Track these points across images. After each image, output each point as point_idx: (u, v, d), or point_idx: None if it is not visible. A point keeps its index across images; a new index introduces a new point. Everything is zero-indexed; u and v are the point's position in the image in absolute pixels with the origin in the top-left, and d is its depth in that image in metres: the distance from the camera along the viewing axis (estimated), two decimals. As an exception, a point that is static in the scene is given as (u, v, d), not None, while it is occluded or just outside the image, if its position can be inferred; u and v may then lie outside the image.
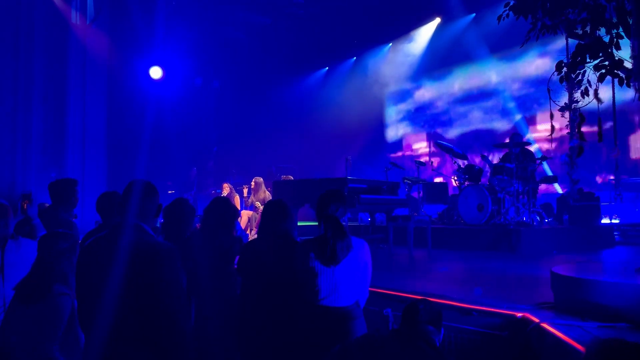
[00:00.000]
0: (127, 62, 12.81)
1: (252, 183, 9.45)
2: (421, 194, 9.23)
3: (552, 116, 4.45)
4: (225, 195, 9.64)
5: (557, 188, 10.00)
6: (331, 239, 2.80)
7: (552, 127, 4.42)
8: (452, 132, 13.39)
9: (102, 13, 12.69)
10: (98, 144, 12.42)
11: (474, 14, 12.73)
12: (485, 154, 8.42)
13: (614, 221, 8.98)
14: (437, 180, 11.59)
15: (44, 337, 2.44)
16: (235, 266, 3.21)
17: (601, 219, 8.25)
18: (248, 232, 8.69)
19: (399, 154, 14.70)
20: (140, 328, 2.01)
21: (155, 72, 13.22)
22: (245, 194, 9.85)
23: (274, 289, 2.98)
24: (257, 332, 2.97)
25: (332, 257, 2.79)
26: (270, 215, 3.12)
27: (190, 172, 12.69)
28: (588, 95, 3.84)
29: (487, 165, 8.35)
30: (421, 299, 2.58)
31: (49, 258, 2.55)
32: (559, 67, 4.06)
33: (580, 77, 3.92)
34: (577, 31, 4.22)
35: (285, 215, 3.12)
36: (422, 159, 10.21)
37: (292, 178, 9.13)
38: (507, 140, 8.07)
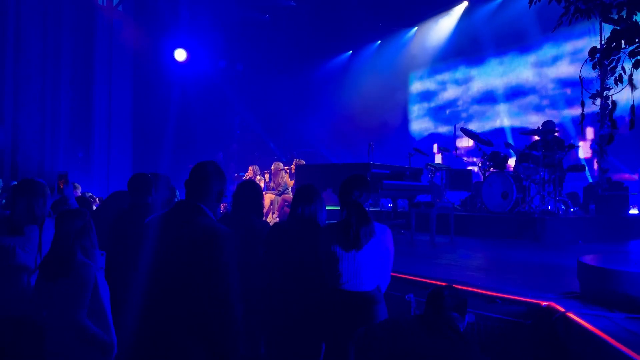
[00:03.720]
0: (153, 44, 12.93)
1: (272, 167, 9.51)
2: (444, 181, 9.15)
3: (583, 104, 4.35)
4: (248, 177, 9.72)
5: (589, 177, 9.76)
6: (355, 225, 2.81)
7: (583, 115, 4.32)
8: (476, 122, 13.16)
9: (128, -5, 12.80)
10: (123, 125, 12.63)
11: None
12: (510, 142, 8.29)
13: (642, 212, 8.79)
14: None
15: (73, 308, 2.53)
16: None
17: (629, 209, 8.08)
18: (270, 215, 8.75)
19: (423, 139, 14.56)
20: (193, 310, 2.02)
21: (180, 55, 13.30)
22: (267, 179, 9.92)
23: (298, 272, 3.02)
24: (282, 313, 3.02)
25: (355, 243, 2.81)
26: (299, 199, 3.14)
27: (216, 156, 12.80)
28: (622, 82, 3.73)
29: (512, 152, 8.23)
30: (446, 285, 2.57)
31: (69, 236, 2.63)
32: (592, 53, 3.95)
33: (614, 64, 3.80)
34: (612, 16, 4.08)
35: (313, 199, 3.14)
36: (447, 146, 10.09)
37: (303, 162, 9.13)
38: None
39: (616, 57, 3.80)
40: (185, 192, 2.25)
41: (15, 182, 6.52)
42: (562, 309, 2.91)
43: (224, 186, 2.29)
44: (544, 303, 3.09)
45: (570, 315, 2.81)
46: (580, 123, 4.37)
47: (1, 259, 2.83)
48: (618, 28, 3.79)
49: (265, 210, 8.10)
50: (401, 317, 2.81)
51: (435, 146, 12.62)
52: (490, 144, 8.59)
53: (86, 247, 2.69)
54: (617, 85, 3.81)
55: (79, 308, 2.53)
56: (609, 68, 3.82)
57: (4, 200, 6.50)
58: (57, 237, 2.66)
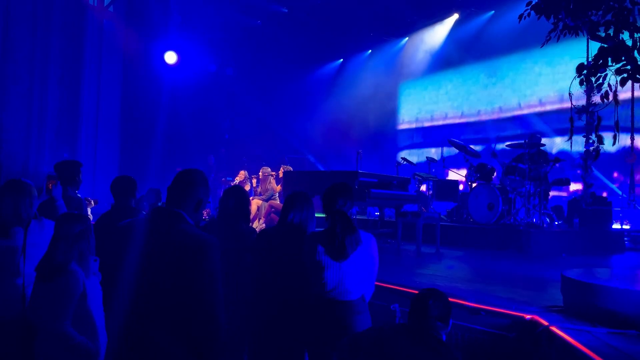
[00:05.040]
0: (143, 46, 12.85)
1: (260, 173, 9.47)
2: (431, 191, 9.21)
3: (572, 120, 4.40)
4: (238, 182, 9.68)
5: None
6: (340, 234, 2.80)
7: (571, 131, 4.38)
8: (464, 134, 13.24)
9: (120, -4, 12.72)
10: (111, 127, 12.51)
11: (492, 12, 12.60)
12: (496, 152, 8.38)
13: (624, 227, 8.91)
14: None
15: (57, 316, 2.50)
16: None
17: (612, 224, 8.19)
18: (257, 221, 8.71)
19: (411, 148, 14.63)
20: (176, 317, 2.00)
21: (170, 57, 13.23)
22: (254, 184, 9.89)
23: (284, 280, 3.00)
24: (266, 320, 3.00)
25: (340, 252, 2.80)
26: (291, 206, 3.13)
27: (207, 159, 12.72)
28: (608, 99, 3.80)
29: (498, 163, 8.32)
30: (430, 290, 2.57)
31: (67, 239, 2.59)
32: (579, 69, 4.02)
33: (601, 81, 3.87)
34: (599, 33, 4.16)
35: (304, 207, 3.13)
36: (434, 156, 10.15)
37: (291, 169, 9.11)
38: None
39: (603, 74, 3.87)
40: (166, 198, 2.21)
41: (-1, 182, 6.42)
42: (545, 323, 2.93)
43: (206, 196, 2.24)
44: (528, 316, 3.11)
45: (554, 329, 2.83)
46: (569, 139, 4.43)
47: None
48: (605, 46, 3.86)
49: (251, 216, 8.07)
50: (385, 326, 2.80)
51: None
52: (478, 156, 8.67)
53: (83, 251, 2.67)
54: (603, 102, 3.87)
55: (63, 317, 2.50)
56: (595, 84, 3.89)
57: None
58: (56, 239, 2.63)
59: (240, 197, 3.41)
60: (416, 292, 3.84)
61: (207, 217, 8.31)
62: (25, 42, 10.42)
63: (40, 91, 10.78)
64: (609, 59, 3.77)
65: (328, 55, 16.20)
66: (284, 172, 8.13)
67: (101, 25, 12.37)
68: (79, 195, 4.37)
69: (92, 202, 5.57)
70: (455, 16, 13.49)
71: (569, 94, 4.27)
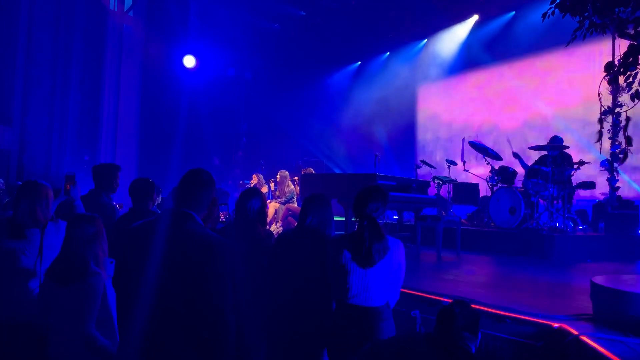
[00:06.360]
0: (162, 50, 12.96)
1: (278, 176, 9.44)
2: (451, 194, 9.06)
3: (601, 121, 4.25)
4: (253, 185, 9.66)
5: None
6: (367, 240, 2.72)
7: (600, 133, 4.22)
8: (484, 136, 13.03)
9: (139, 0, 12.85)
10: (130, 130, 12.63)
11: (513, 12, 12.39)
12: (518, 153, 8.20)
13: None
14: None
15: (82, 318, 2.49)
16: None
17: (639, 229, 7.94)
18: (274, 224, 8.67)
19: (430, 151, 14.45)
20: (186, 319, 1.97)
21: (189, 61, 13.30)
22: (272, 187, 9.86)
23: (304, 283, 2.95)
24: (284, 325, 2.94)
25: (367, 259, 2.72)
26: (309, 208, 3.08)
27: (211, 162, 12.76)
28: (639, 98, 3.65)
29: (520, 164, 8.14)
30: (457, 301, 2.48)
31: (81, 241, 2.57)
32: (608, 68, 3.87)
33: (631, 80, 3.72)
34: (628, 31, 4.01)
35: (323, 209, 3.07)
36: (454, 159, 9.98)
37: (312, 171, 9.04)
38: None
39: (633, 73, 3.72)
40: (174, 200, 2.18)
41: (20, 183, 6.47)
42: (575, 332, 2.80)
43: (213, 194, 2.24)
44: (556, 324, 2.98)
45: (584, 338, 2.70)
46: (598, 141, 4.29)
47: (2, 262, 2.77)
48: (635, 43, 3.71)
49: (269, 219, 8.03)
50: (409, 335, 2.71)
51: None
52: (499, 158, 8.49)
53: (98, 254, 2.66)
54: (633, 101, 3.72)
55: (88, 319, 2.49)
56: (625, 84, 3.74)
57: (7, 199, 6.46)
58: (68, 241, 2.61)
59: (257, 200, 3.38)
60: (438, 298, 3.76)
61: (224, 220, 8.30)
62: (48, 46, 10.59)
63: (62, 94, 10.94)
64: (639, 57, 3.62)
65: (346, 57, 16.13)
66: (302, 175, 8.08)
67: (121, 29, 12.51)
68: (113, 202, 4.24)
69: (118, 207, 5.57)
70: (475, 17, 13.31)
71: (599, 94, 4.13)
